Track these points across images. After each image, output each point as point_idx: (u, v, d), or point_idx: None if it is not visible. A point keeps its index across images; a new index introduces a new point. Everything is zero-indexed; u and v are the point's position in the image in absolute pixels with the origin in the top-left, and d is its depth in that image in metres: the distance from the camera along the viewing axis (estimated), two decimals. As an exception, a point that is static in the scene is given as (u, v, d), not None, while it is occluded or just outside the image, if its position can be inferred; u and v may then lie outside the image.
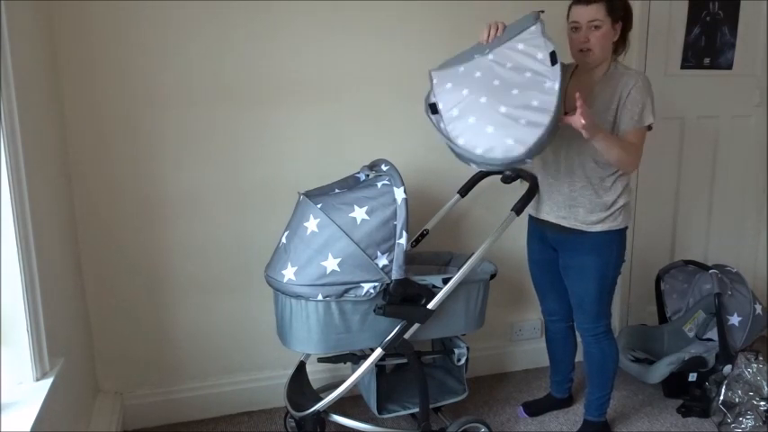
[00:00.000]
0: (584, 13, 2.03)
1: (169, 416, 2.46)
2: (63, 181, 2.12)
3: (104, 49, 2.15)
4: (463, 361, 2.21)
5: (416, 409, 2.14)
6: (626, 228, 2.19)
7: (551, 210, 2.19)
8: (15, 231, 1.50)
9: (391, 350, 2.01)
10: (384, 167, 2.03)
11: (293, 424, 2.27)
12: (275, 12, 2.28)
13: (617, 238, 2.17)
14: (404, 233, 1.92)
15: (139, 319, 2.38)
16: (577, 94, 1.80)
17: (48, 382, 1.60)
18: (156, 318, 2.39)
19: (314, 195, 1.99)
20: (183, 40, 2.22)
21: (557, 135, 1.90)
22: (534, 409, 2.58)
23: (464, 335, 2.22)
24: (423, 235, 2.37)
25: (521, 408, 2.58)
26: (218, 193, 2.36)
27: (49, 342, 1.64)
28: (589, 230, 2.13)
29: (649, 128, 2.05)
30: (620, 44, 2.12)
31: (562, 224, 2.17)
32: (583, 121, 1.78)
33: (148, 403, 2.42)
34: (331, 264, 1.88)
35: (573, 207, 2.13)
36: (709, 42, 2.94)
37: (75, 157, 2.19)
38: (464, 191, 2.37)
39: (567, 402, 2.61)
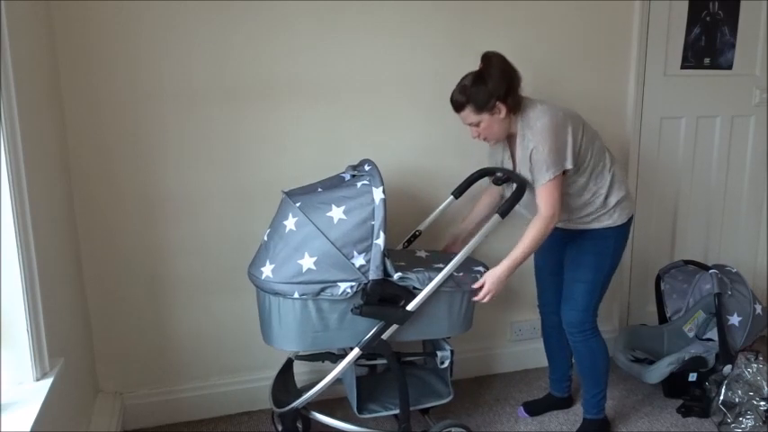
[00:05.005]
0: (461, 118, 2.11)
1: (169, 416, 2.46)
2: (63, 181, 2.12)
3: (105, 49, 2.15)
4: (447, 364, 2.18)
5: (397, 411, 2.13)
6: (626, 223, 2.22)
7: None
8: (15, 231, 1.50)
9: (369, 350, 2.01)
10: (366, 167, 2.04)
11: (281, 428, 2.28)
12: (276, 12, 2.28)
13: (615, 234, 2.21)
14: (381, 233, 1.91)
15: (139, 318, 2.38)
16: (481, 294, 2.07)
17: (48, 382, 1.60)
18: (156, 318, 2.39)
19: (295, 194, 2.01)
20: (184, 40, 2.22)
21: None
22: (534, 408, 2.58)
23: (449, 338, 2.21)
24: (415, 236, 2.37)
25: (521, 407, 2.58)
26: (219, 193, 2.36)
27: (49, 342, 1.64)
28: (587, 228, 2.19)
29: (564, 172, 2.06)
30: (513, 103, 2.06)
31: (562, 227, 2.20)
32: (489, 296, 2.06)
33: (148, 403, 2.42)
34: (307, 262, 1.89)
35: (565, 220, 2.19)
36: (709, 42, 2.94)
37: (76, 157, 2.19)
38: (458, 192, 2.36)
39: (567, 402, 2.61)
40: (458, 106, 2.08)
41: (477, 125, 2.09)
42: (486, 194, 2.37)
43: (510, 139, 2.17)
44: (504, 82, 2.02)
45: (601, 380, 2.34)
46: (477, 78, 2.04)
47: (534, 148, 2.03)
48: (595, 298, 2.25)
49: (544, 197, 2.05)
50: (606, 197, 2.15)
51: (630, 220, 2.24)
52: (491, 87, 2.01)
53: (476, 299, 2.07)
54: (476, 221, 2.35)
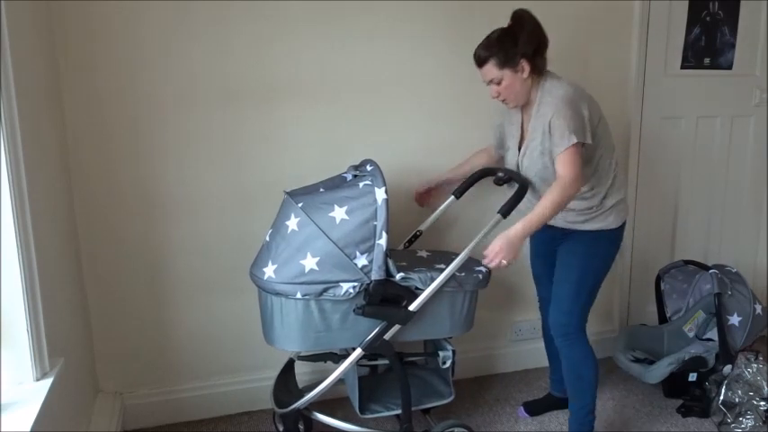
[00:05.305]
0: (482, 74, 2.06)
1: (169, 416, 2.46)
2: (63, 181, 2.12)
3: (105, 49, 2.15)
4: (448, 364, 2.18)
5: (399, 411, 2.13)
6: (620, 227, 2.20)
7: None
8: (15, 231, 1.50)
9: (371, 350, 2.01)
10: (369, 168, 2.04)
11: (282, 429, 2.28)
12: (277, 14, 2.28)
13: (609, 236, 2.19)
14: (384, 234, 1.91)
15: (140, 318, 2.37)
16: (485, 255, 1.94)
17: (48, 382, 1.60)
18: (156, 317, 2.39)
19: (297, 194, 2.01)
20: (185, 40, 2.21)
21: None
22: (534, 408, 2.58)
23: (450, 338, 2.20)
24: (416, 236, 2.36)
25: (521, 408, 2.58)
26: (220, 194, 2.36)
27: (49, 342, 1.64)
28: (581, 228, 2.17)
29: (583, 145, 1.99)
30: (539, 65, 2.04)
31: (555, 225, 2.18)
32: (504, 262, 1.91)
33: (148, 403, 2.42)
34: (309, 262, 1.89)
35: (559, 217, 2.14)
36: (709, 42, 2.94)
37: (76, 157, 2.19)
38: (459, 192, 2.36)
39: (567, 402, 2.59)
40: (481, 60, 2.01)
41: (499, 83, 2.03)
42: (484, 152, 2.36)
43: (523, 110, 2.13)
44: (534, 40, 1.98)
45: (587, 392, 2.20)
46: (505, 33, 2.00)
47: (555, 115, 1.97)
48: (581, 302, 2.18)
49: (565, 162, 1.94)
50: (604, 197, 2.14)
51: (623, 225, 2.22)
52: (519, 43, 1.97)
53: (484, 262, 1.96)
54: (465, 176, 2.34)
